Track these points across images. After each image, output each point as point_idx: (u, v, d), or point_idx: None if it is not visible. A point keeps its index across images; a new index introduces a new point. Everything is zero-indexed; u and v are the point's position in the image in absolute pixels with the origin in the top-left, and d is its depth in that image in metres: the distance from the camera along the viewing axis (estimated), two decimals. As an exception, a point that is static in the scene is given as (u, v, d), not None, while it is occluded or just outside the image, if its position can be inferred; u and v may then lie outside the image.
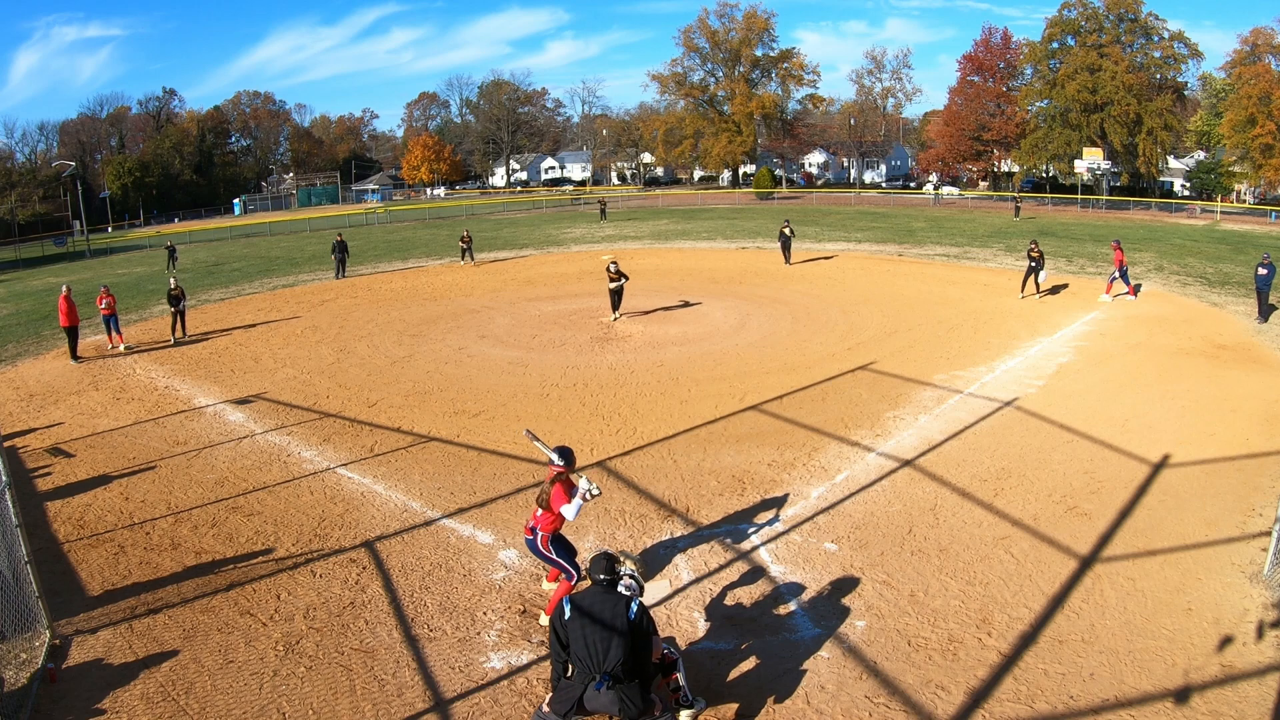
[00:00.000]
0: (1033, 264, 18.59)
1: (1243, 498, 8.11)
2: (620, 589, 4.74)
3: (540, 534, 6.04)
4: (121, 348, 16.47)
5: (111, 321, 16.64)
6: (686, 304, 19.18)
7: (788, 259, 25.31)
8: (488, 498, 8.60)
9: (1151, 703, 5.20)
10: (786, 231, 25.40)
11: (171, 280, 17.77)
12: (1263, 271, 16.23)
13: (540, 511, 6.01)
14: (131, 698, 5.53)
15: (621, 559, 5.13)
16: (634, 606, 4.56)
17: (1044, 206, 49.97)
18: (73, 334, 15.84)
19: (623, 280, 17.41)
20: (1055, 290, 19.67)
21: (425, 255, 30.87)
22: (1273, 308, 16.71)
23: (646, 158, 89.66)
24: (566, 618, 4.45)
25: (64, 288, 16.33)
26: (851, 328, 16.28)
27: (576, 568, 6.14)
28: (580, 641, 4.41)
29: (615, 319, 17.44)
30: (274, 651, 6.00)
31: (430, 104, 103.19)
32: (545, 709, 4.70)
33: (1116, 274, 18.72)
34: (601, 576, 4.59)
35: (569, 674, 4.53)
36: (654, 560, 7.19)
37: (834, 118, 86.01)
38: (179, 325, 17.37)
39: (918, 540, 7.43)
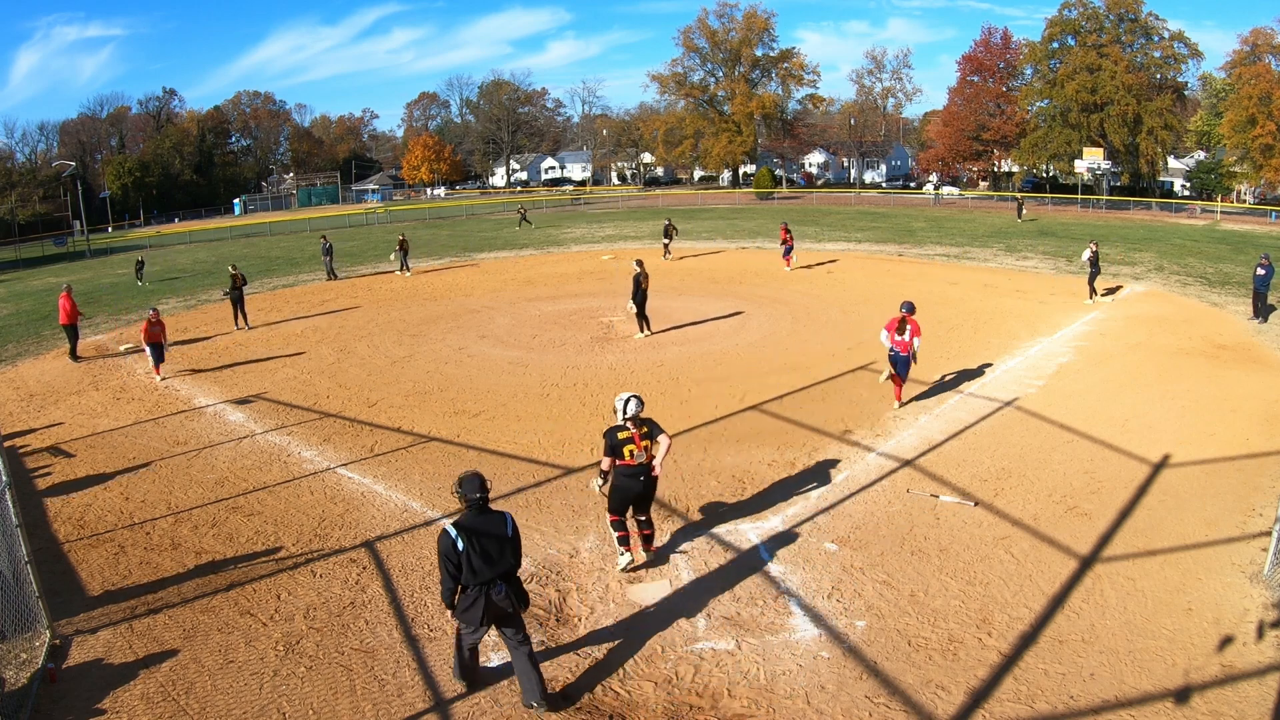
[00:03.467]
0: (1093, 267, 18.26)
1: (1243, 498, 8.11)
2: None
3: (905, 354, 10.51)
4: (158, 379, 14.08)
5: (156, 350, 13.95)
6: (687, 304, 19.17)
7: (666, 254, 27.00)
8: (488, 498, 8.59)
9: (1151, 703, 5.20)
10: (668, 227, 27.17)
11: (230, 267, 19.00)
12: (1261, 271, 16.23)
13: (909, 337, 10.46)
14: (131, 698, 5.53)
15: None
16: (509, 518, 5.19)
17: (1044, 206, 49.92)
18: (73, 333, 15.85)
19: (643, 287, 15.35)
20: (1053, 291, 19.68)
21: (425, 255, 30.85)
22: (1272, 308, 16.71)
23: (647, 158, 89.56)
24: (461, 548, 4.97)
25: (65, 286, 16.37)
26: (851, 328, 16.27)
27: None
28: (480, 558, 5.02)
29: (649, 334, 15.91)
30: (274, 651, 6.00)
31: (430, 104, 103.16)
32: (462, 632, 5.24)
33: (785, 250, 24.14)
34: (477, 495, 5.07)
35: (464, 593, 5.09)
36: (654, 560, 7.19)
37: (834, 118, 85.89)
38: (239, 316, 18.37)
39: (918, 540, 7.43)
